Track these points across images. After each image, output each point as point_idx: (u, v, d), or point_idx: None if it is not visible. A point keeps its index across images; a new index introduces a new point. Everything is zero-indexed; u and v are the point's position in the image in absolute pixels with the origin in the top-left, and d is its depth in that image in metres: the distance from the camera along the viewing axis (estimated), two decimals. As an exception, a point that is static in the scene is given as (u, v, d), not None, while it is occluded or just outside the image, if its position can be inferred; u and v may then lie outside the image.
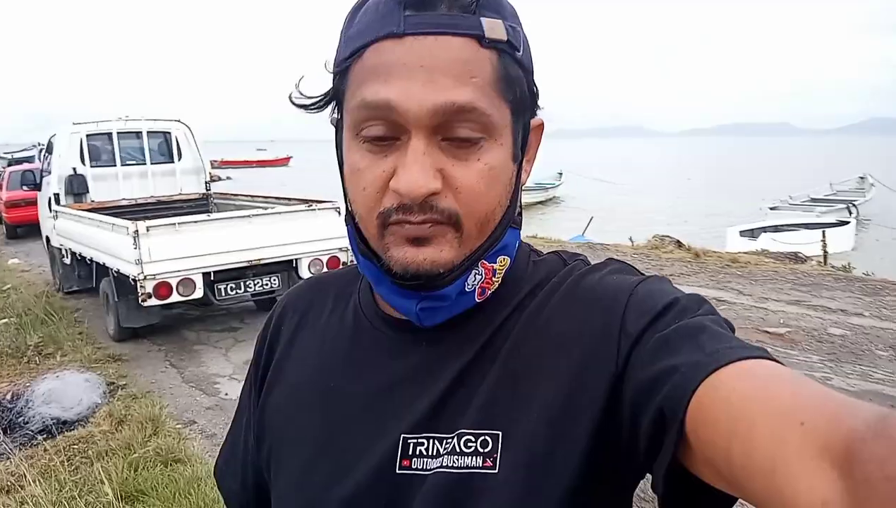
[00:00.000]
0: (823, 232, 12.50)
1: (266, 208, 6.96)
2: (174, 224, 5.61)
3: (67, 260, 7.76)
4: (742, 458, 0.45)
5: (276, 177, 45.25)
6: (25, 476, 3.88)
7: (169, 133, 8.69)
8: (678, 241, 12.28)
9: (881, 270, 9.64)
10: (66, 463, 3.99)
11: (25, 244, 13.41)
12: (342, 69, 0.62)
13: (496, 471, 0.61)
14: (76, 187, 8.00)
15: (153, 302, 5.47)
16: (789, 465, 0.42)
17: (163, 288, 5.48)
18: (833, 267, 10.02)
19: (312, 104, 0.68)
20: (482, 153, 0.60)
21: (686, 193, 33.12)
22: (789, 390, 0.47)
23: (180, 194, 8.70)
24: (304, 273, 6.28)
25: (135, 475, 3.68)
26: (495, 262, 0.66)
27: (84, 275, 7.87)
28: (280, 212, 6.22)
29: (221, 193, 9.03)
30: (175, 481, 3.62)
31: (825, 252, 11.23)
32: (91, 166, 8.12)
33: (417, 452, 0.64)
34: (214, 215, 6.04)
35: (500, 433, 0.62)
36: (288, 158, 70.28)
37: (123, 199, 8.25)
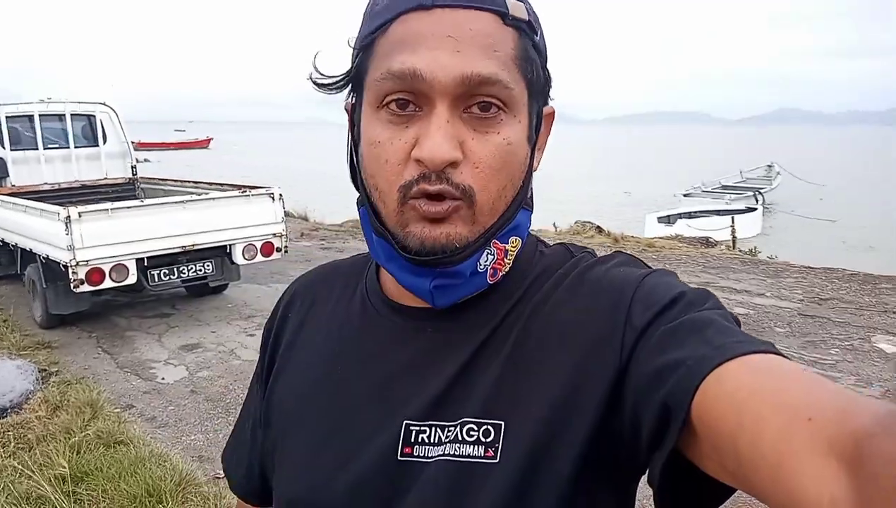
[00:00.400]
0: (732, 218, 13.36)
1: (198, 193, 6.94)
2: (107, 209, 5.57)
3: (-13, 247, 7.50)
4: (748, 453, 0.45)
5: (196, 159, 43.89)
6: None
7: (93, 116, 8.48)
8: (598, 227, 12.88)
9: (784, 254, 10.40)
10: (2, 449, 4.00)
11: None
12: (367, 43, 0.63)
13: (497, 461, 0.62)
14: (-6, 171, 7.74)
15: (85, 288, 5.42)
16: (796, 461, 0.42)
17: (95, 275, 5.44)
18: (741, 250, 10.77)
19: (333, 83, 0.68)
20: (501, 127, 0.61)
21: (606, 180, 34.23)
22: (796, 385, 0.47)
23: (106, 179, 8.52)
24: (238, 259, 6.34)
25: (77, 457, 3.73)
26: (507, 243, 0.66)
27: (5, 262, 7.65)
28: (214, 198, 6.24)
29: (148, 178, 8.89)
30: (119, 461, 3.70)
31: (734, 237, 12.03)
32: (11, 149, 7.86)
33: (420, 440, 0.64)
34: (148, 201, 6.01)
35: (503, 423, 0.63)
36: (208, 140, 68.21)
37: (46, 184, 8.03)
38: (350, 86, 0.67)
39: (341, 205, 10.37)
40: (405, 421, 0.65)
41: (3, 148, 7.84)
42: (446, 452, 0.62)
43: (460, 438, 0.63)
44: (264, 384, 0.79)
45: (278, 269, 8.17)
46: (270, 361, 0.79)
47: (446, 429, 0.63)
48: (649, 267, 0.68)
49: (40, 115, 8.08)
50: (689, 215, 16.83)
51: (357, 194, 0.70)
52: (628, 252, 0.73)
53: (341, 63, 0.68)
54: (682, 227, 14.76)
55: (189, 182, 8.16)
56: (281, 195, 6.47)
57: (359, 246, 10.47)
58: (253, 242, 6.35)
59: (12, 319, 6.59)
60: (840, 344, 5.60)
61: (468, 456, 0.62)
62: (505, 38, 0.60)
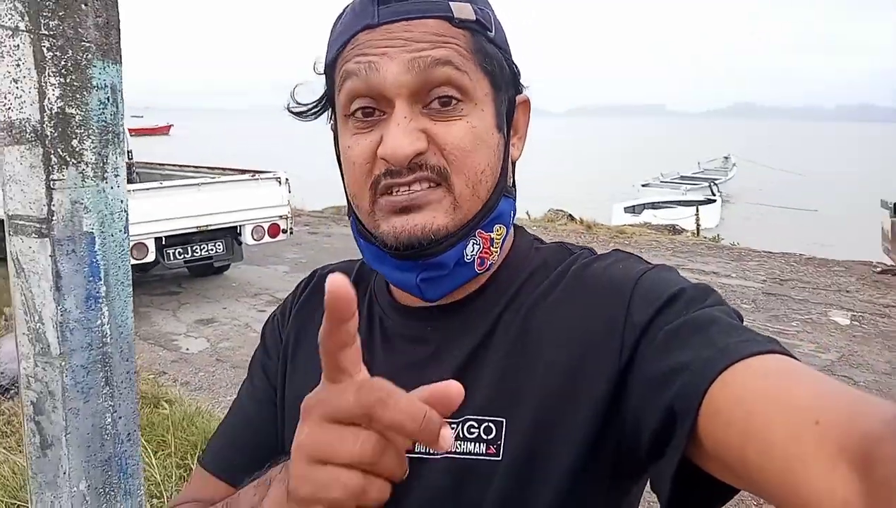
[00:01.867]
0: (697, 208, 14.12)
1: (205, 176, 7.24)
2: (129, 190, 5.84)
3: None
4: (758, 458, 0.45)
5: (158, 147, 43.36)
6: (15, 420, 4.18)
7: (88, 100, 8.65)
8: (570, 215, 13.47)
9: (743, 241, 11.13)
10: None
11: None
12: (329, 66, 0.67)
13: (500, 458, 0.63)
14: None
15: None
16: (807, 465, 0.41)
17: (117, 252, 5.73)
18: (705, 237, 11.48)
19: (308, 110, 0.72)
20: (462, 115, 0.63)
21: (568, 171, 35.01)
22: (804, 387, 0.47)
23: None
24: (247, 239, 6.68)
25: (131, 415, 4.08)
26: (492, 231, 0.67)
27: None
28: (226, 181, 6.57)
29: (144, 162, 9.10)
30: (169, 417, 4.06)
31: (698, 225, 12.76)
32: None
33: None
34: (166, 183, 6.31)
35: (504, 420, 0.64)
36: (168, 127, 67.18)
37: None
38: (328, 109, 0.72)
39: (316, 193, 10.70)
40: None
41: (2, 130, 7.98)
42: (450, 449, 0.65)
43: (461, 435, 0.64)
44: (282, 377, 0.79)
45: (273, 252, 8.50)
46: (284, 356, 0.79)
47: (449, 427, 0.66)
48: (649, 264, 0.68)
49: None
50: (654, 205, 17.56)
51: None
52: (626, 250, 0.76)
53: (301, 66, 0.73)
54: (649, 217, 15.47)
55: (186, 166, 8.42)
56: (287, 179, 6.82)
57: (343, 230, 10.84)
58: (261, 224, 6.70)
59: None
60: (800, 317, 6.25)
61: (470, 454, 0.64)
62: (456, 36, 0.63)
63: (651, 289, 0.63)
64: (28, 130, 1.59)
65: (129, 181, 8.37)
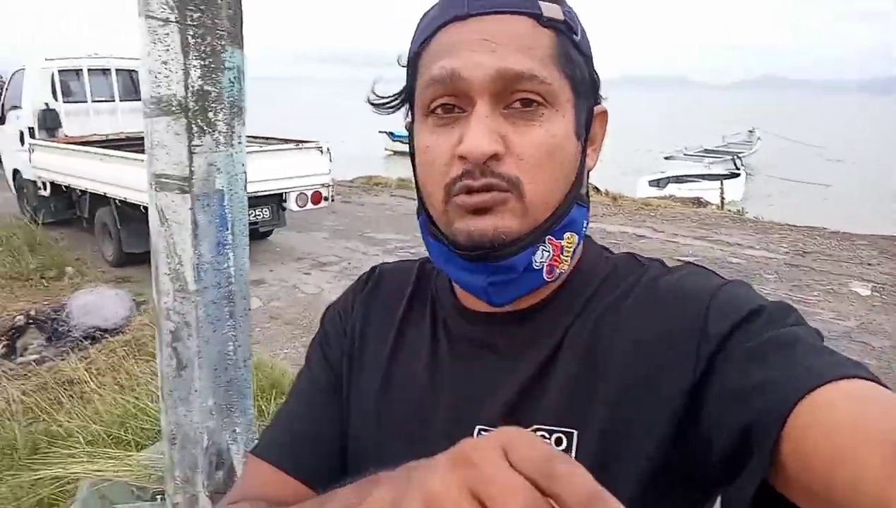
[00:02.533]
0: (721, 182, 14.25)
1: (255, 145, 7.58)
2: (182, 158, 6.22)
3: (46, 193, 8.09)
4: (846, 489, 0.43)
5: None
6: (89, 372, 4.60)
7: (135, 71, 9.00)
8: (596, 187, 13.66)
9: (767, 215, 11.28)
10: (134, 358, 4.73)
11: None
12: (413, 60, 0.67)
13: None
14: (49, 122, 8.27)
15: (166, 228, 6.10)
16: None
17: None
18: (729, 210, 11.66)
19: (387, 103, 0.72)
20: (543, 121, 0.62)
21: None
22: (894, 415, 0.45)
23: (147, 131, 9.07)
24: (292, 206, 7.03)
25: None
26: (562, 239, 0.65)
27: (60, 207, 8.24)
28: (273, 150, 6.90)
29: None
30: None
31: (722, 198, 12.91)
32: (63, 102, 8.39)
33: None
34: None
35: (575, 431, 0.63)
36: None
37: (95, 135, 8.57)
38: (408, 104, 0.71)
39: (344, 164, 10.99)
40: (478, 427, 0.66)
41: (56, 100, 8.37)
42: None
43: None
44: (347, 370, 0.77)
45: (313, 219, 8.86)
46: (349, 352, 0.77)
47: None
48: (724, 278, 0.66)
49: (89, 70, 8.59)
50: (678, 179, 17.65)
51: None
52: (700, 264, 0.73)
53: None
54: (673, 190, 15.59)
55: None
56: (329, 149, 7.14)
57: (374, 200, 11.17)
58: (304, 191, 7.04)
59: (82, 257, 7.25)
60: (822, 288, 6.49)
61: None
62: (541, 38, 0.62)
63: (729, 303, 0.61)
64: (174, 104, 1.94)
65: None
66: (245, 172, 2.08)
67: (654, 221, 9.74)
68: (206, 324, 2.05)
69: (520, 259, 0.63)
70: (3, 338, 5.30)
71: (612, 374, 0.64)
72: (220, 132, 1.95)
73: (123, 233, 6.69)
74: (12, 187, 9.44)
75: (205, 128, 1.92)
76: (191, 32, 1.86)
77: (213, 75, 1.91)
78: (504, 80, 0.60)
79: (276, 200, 7.00)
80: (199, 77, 1.88)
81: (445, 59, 0.62)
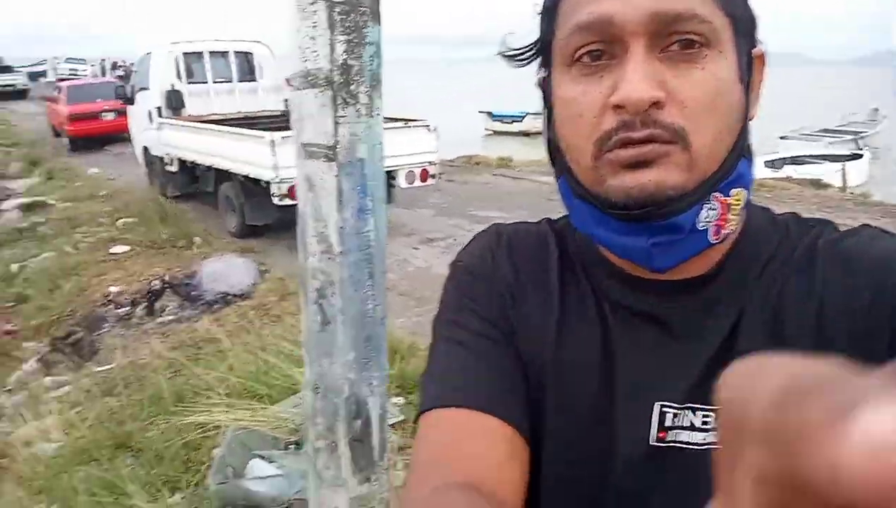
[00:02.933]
0: (843, 163, 13.42)
1: None
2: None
3: (173, 168, 8.71)
4: None
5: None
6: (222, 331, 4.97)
7: (251, 53, 9.48)
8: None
9: (895, 198, 10.55)
10: (251, 322, 5.08)
11: (91, 155, 14.28)
12: (550, 5, 0.61)
13: None
14: (174, 102, 8.88)
15: (286, 201, 6.45)
16: None
17: (293, 191, 6.45)
18: (852, 193, 10.99)
19: (521, 54, 0.66)
20: (706, 62, 0.55)
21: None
22: None
23: (263, 110, 9.55)
24: (401, 182, 7.25)
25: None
26: (729, 196, 0.59)
27: (185, 182, 8.85)
28: (384, 128, 7.12)
29: (299, 111, 9.88)
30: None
31: (845, 180, 12.16)
32: (187, 83, 8.97)
33: (677, 424, 0.61)
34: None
35: None
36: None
37: (215, 114, 9.12)
38: (540, 58, 0.65)
39: (442, 144, 11.13)
40: (660, 404, 0.61)
41: (181, 81, 8.96)
42: (707, 440, 0.60)
43: None
44: (510, 332, 0.67)
45: (418, 196, 9.07)
46: (507, 316, 0.67)
47: (705, 414, 0.60)
48: None
49: (209, 52, 9.13)
50: (795, 160, 16.75)
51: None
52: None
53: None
54: (790, 171, 14.83)
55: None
56: (436, 127, 7.29)
57: (477, 179, 11.28)
58: (413, 169, 7.23)
59: (208, 228, 7.78)
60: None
61: None
62: None
63: None
64: (321, 77, 2.09)
65: (287, 127, 9.14)
66: (381, 142, 2.21)
67: (771, 203, 9.08)
68: (348, 284, 2.21)
69: (686, 217, 0.56)
70: (143, 300, 5.81)
71: (807, 347, 0.57)
72: (361, 104, 2.08)
73: (246, 207, 7.12)
74: (142, 162, 10.20)
75: (348, 100, 2.06)
76: (337, 10, 2.00)
77: (356, 50, 2.04)
78: (661, 22, 0.54)
79: (386, 177, 7.22)
80: (344, 52, 2.02)
81: (593, 4, 0.56)
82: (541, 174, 10.33)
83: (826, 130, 22.81)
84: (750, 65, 0.61)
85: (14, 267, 7.43)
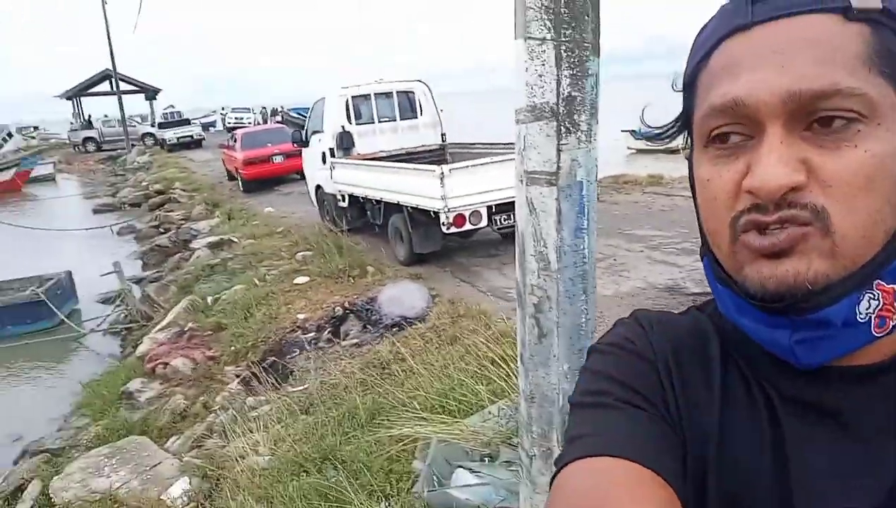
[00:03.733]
0: None
1: (500, 153, 8.10)
2: (467, 166, 6.88)
3: (344, 204, 9.39)
4: None
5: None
6: (402, 352, 5.29)
7: (412, 91, 10.07)
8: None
9: None
10: (429, 343, 5.37)
11: (263, 196, 15.61)
12: (690, 81, 0.59)
13: None
14: (345, 143, 9.58)
15: (453, 229, 6.80)
16: None
17: (459, 219, 6.79)
18: None
19: (664, 131, 0.64)
20: (859, 139, 0.49)
21: None
22: None
23: (422, 145, 10.08)
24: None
25: (494, 346, 4.93)
26: None
27: (355, 215, 9.49)
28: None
29: (455, 143, 10.31)
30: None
31: None
32: (356, 124, 9.68)
33: None
34: (496, 158, 7.24)
35: None
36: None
37: (381, 151, 9.74)
38: (685, 132, 0.62)
39: None
40: None
41: (350, 123, 9.67)
42: None
43: None
44: (662, 410, 0.61)
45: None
46: (657, 392, 0.62)
47: None
48: None
49: (375, 94, 9.81)
50: None
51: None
52: None
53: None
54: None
55: (496, 144, 9.38)
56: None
57: (627, 199, 11.15)
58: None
59: (378, 258, 8.30)
60: None
61: None
62: (848, 37, 0.50)
63: None
64: (546, 110, 2.27)
65: (443, 160, 9.59)
66: (597, 165, 2.37)
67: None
68: (564, 299, 2.37)
69: (836, 310, 0.51)
70: (328, 325, 6.31)
71: None
72: (581, 131, 2.25)
73: (414, 237, 7.55)
74: (314, 200, 11.05)
75: (570, 128, 2.24)
76: (563, 47, 2.19)
77: (579, 82, 2.22)
78: (800, 102, 0.50)
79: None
80: (568, 85, 2.20)
81: (726, 83, 0.53)
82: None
83: None
84: None
85: (210, 299, 8.31)
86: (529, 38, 2.22)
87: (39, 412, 7.34)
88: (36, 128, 47.03)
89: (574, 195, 2.32)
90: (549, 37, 2.20)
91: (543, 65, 2.22)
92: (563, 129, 2.25)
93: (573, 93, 2.23)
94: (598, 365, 0.65)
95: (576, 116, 2.25)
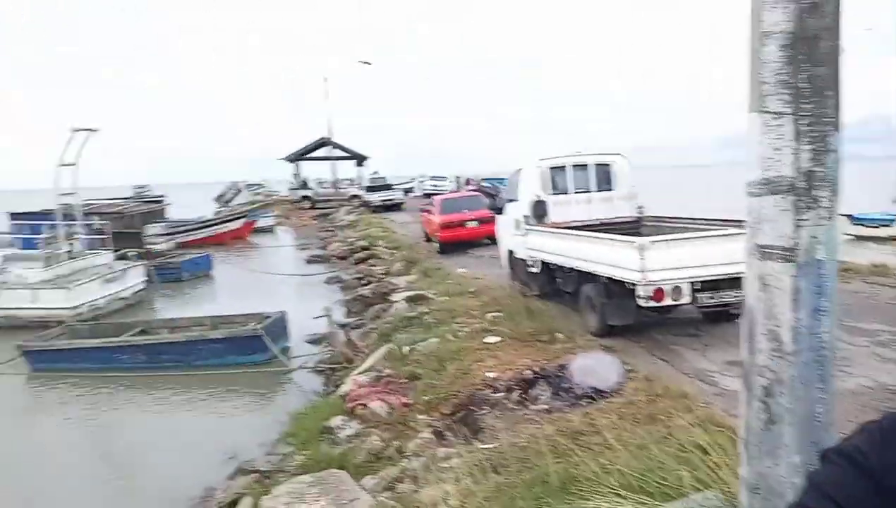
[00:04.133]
0: None
1: (701, 228, 7.75)
2: (667, 240, 6.73)
3: (535, 270, 9.53)
4: None
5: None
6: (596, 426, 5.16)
7: (610, 165, 10.10)
8: None
9: None
10: (624, 419, 5.20)
11: (455, 257, 16.27)
12: None
13: None
14: (539, 211, 9.79)
15: (651, 303, 6.61)
16: None
17: (658, 293, 6.60)
18: None
19: None
20: None
21: None
22: None
23: (617, 217, 10.00)
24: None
25: (699, 430, 4.66)
26: None
27: (545, 282, 9.57)
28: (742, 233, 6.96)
29: (651, 216, 10.11)
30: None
31: None
32: (551, 194, 9.87)
33: None
34: (700, 233, 7.02)
35: None
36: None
37: (575, 221, 9.81)
38: None
39: None
40: None
41: (545, 192, 9.89)
42: None
43: None
44: None
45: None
46: None
47: None
48: None
49: (572, 166, 9.97)
50: None
51: None
52: None
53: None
54: None
55: (696, 218, 9.07)
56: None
57: (844, 286, 10.12)
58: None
59: (566, 325, 8.27)
60: None
61: None
62: None
63: None
64: (783, 184, 2.20)
65: (637, 233, 9.40)
66: (839, 244, 2.24)
67: None
68: (798, 384, 2.22)
69: None
70: (517, 387, 6.36)
71: None
72: (822, 207, 2.16)
73: (607, 307, 7.44)
74: (505, 264, 11.34)
75: (810, 204, 2.16)
76: (803, 122, 2.14)
77: (819, 158, 2.15)
78: None
79: (739, 283, 6.96)
80: (808, 159, 2.13)
81: None
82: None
83: None
84: None
85: (406, 348, 8.74)
86: (764, 111, 2.19)
87: (250, 434, 8.17)
88: (260, 185, 54.06)
89: (813, 274, 2.21)
90: (787, 111, 2.16)
91: (780, 138, 2.18)
92: (801, 205, 2.17)
93: (813, 169, 2.15)
94: (823, 478, 0.66)
95: (815, 192, 2.17)
